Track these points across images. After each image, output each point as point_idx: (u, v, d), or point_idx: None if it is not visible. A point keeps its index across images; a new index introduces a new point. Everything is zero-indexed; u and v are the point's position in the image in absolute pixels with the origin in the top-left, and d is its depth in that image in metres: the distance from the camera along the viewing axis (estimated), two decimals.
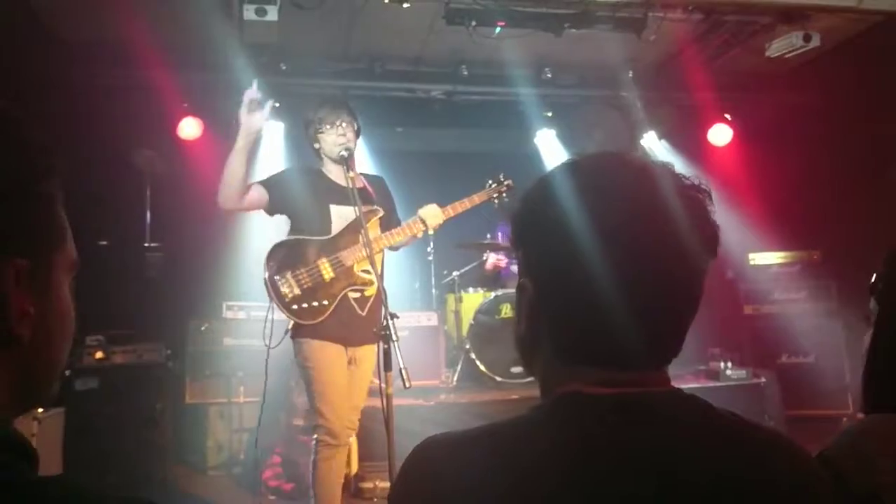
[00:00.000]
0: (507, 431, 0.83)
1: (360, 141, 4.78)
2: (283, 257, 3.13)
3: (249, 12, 3.86)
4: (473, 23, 4.38)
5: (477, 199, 3.51)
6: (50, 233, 0.69)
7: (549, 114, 6.45)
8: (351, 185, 3.06)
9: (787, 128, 5.88)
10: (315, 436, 3.14)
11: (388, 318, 2.72)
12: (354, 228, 3.14)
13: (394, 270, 4.21)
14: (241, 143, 3.05)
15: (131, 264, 5.27)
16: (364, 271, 3.17)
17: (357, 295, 3.20)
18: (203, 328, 5.03)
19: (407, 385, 2.68)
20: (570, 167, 0.90)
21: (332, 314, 3.12)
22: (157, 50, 4.46)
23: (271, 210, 3.23)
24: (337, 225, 3.20)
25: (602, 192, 0.85)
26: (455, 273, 5.78)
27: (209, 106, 5.38)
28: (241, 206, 3.14)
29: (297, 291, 3.09)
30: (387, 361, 2.78)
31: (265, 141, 5.66)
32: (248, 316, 5.07)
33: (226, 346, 5.03)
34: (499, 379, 5.21)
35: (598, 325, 0.84)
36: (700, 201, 0.87)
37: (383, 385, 2.79)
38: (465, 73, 5.57)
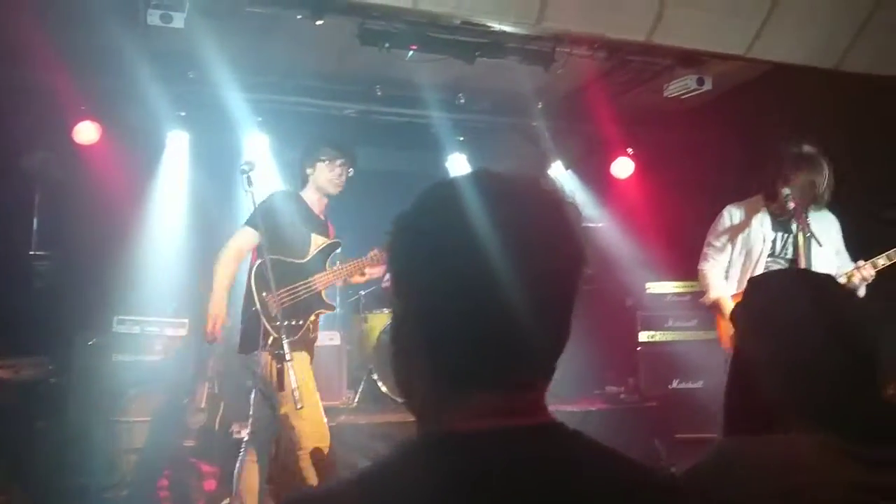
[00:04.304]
0: (375, 480, 0.78)
1: (272, 155, 4.98)
2: (271, 276, 3.29)
3: (154, 17, 3.71)
4: (387, 44, 4.41)
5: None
6: None
7: (462, 138, 6.54)
8: (323, 219, 3.59)
9: (685, 164, 6.18)
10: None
11: (283, 337, 2.67)
12: (323, 257, 3.55)
13: None
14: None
15: (15, 273, 4.96)
16: (327, 297, 3.57)
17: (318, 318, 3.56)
18: (91, 342, 4.76)
19: (298, 406, 2.64)
20: (446, 183, 0.86)
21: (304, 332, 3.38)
22: (53, 50, 4.24)
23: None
24: (313, 251, 3.51)
25: (490, 201, 0.81)
26: (361, 293, 5.74)
27: (109, 110, 5.16)
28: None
29: (278, 310, 3.25)
30: (280, 381, 2.73)
31: (168, 151, 5.50)
32: (142, 331, 4.83)
33: (115, 361, 4.78)
34: (400, 400, 5.16)
35: (487, 341, 0.79)
36: (575, 213, 0.87)
37: (276, 405, 2.73)
38: (380, 93, 5.58)
